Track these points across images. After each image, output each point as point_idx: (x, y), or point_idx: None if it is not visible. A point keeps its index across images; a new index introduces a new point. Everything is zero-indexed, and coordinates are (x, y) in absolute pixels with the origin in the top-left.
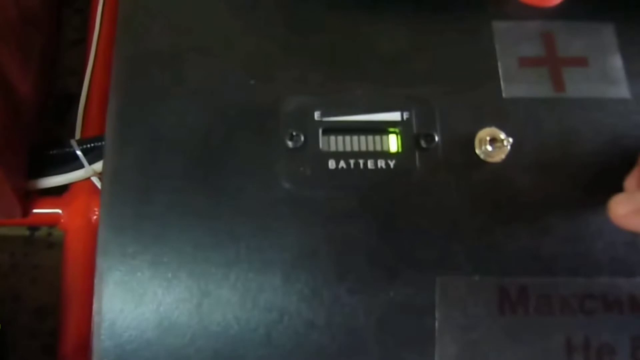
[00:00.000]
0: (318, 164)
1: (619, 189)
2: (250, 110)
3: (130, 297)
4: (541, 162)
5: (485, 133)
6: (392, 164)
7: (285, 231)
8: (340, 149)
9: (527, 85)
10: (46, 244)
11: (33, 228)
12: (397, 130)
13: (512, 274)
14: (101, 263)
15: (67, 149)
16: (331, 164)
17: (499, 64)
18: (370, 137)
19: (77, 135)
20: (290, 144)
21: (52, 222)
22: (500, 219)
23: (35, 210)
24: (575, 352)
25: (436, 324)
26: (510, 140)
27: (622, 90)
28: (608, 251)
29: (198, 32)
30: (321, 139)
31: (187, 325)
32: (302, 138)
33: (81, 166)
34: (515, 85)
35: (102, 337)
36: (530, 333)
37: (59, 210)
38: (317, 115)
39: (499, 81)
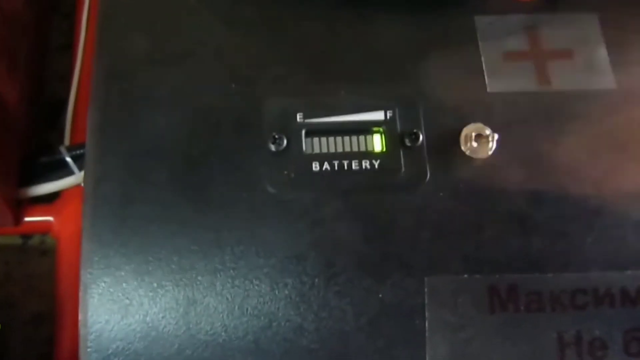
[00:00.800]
0: (302, 167)
1: (607, 181)
2: (232, 115)
3: (116, 308)
4: (528, 157)
5: (470, 129)
6: (376, 164)
7: (271, 236)
8: (324, 150)
9: (511, 79)
10: (39, 252)
11: (26, 236)
12: (381, 129)
13: (502, 272)
14: (85, 275)
15: (57, 156)
16: (315, 166)
17: (483, 58)
18: (354, 138)
19: (67, 141)
20: (273, 147)
21: (44, 229)
22: (488, 216)
23: (26, 219)
24: (567, 347)
25: (426, 325)
26: (496, 135)
27: (608, 81)
28: (598, 245)
29: (178, 38)
30: (304, 141)
31: (175, 334)
32: (285, 141)
33: (71, 173)
34: (500, 79)
35: (89, 350)
36: (522, 330)
37: (51, 218)
38: (299, 117)
39: (483, 76)
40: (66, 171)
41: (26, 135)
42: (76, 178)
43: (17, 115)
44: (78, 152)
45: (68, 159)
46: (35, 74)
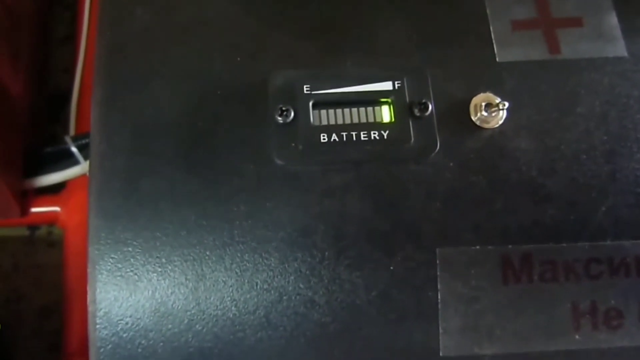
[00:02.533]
0: (310, 138)
1: (620, 148)
2: (238, 88)
3: (125, 284)
4: (539, 126)
5: (480, 99)
6: (385, 134)
7: (280, 209)
8: (332, 122)
9: (521, 48)
10: (47, 243)
11: (33, 228)
12: (389, 100)
13: (515, 242)
14: (93, 251)
15: (62, 146)
16: (323, 137)
17: (491, 28)
18: (362, 109)
19: (72, 132)
20: (280, 119)
21: (50, 220)
22: (500, 186)
23: (33, 209)
24: (582, 317)
25: (439, 297)
26: (506, 104)
27: (619, 49)
28: (612, 214)
29: (181, 12)
30: (312, 112)
31: (184, 310)
32: (292, 113)
33: (77, 162)
34: (509, 49)
35: (98, 327)
36: (536, 301)
37: (57, 208)
38: (306, 88)
39: (492, 46)
40: (72, 161)
41: (30, 126)
42: (82, 168)
43: (21, 106)
44: (83, 141)
45: (73, 149)
46: (38, 65)
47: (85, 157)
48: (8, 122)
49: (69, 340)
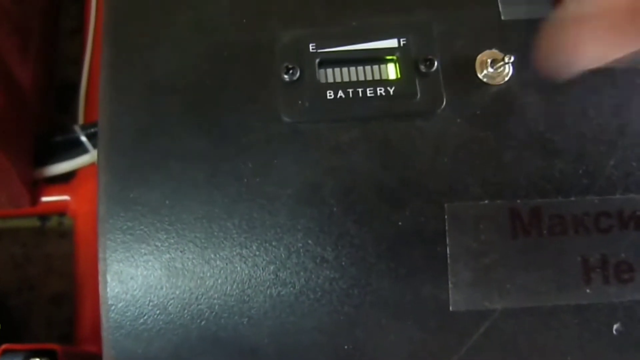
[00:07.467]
0: (316, 95)
1: (627, 102)
2: (245, 49)
3: (135, 243)
4: (545, 82)
5: (485, 55)
6: (391, 90)
7: (288, 166)
8: (338, 79)
9: (525, 6)
10: (57, 234)
11: (44, 218)
12: (395, 57)
13: (523, 197)
14: (103, 210)
15: (72, 135)
16: (329, 94)
17: None
18: (368, 66)
19: (80, 122)
20: (286, 77)
21: (60, 209)
22: (508, 142)
23: (43, 199)
24: (592, 271)
25: (448, 251)
26: (512, 57)
27: None
28: (621, 167)
29: None
30: (318, 71)
31: (193, 267)
32: (299, 71)
33: (86, 151)
34: (514, 6)
35: (109, 284)
36: (545, 255)
37: (67, 197)
38: (312, 47)
39: (497, 4)
40: (81, 150)
41: (40, 116)
42: (91, 156)
43: (30, 96)
44: (92, 130)
45: (83, 138)
46: (46, 56)
47: (95, 146)
48: (18, 111)
49: (80, 327)
